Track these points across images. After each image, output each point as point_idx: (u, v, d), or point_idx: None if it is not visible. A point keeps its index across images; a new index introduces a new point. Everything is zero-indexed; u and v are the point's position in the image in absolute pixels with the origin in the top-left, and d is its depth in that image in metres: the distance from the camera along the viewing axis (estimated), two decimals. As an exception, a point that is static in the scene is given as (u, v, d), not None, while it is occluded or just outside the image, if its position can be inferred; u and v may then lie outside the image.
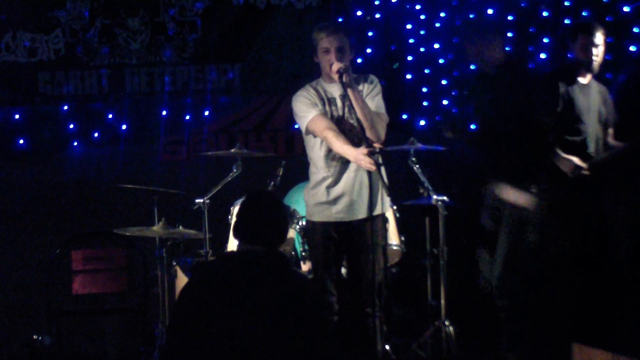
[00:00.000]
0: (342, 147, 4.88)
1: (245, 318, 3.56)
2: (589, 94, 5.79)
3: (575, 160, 5.64)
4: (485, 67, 5.63)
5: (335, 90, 5.03)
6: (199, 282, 3.75)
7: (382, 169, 4.77)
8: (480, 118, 5.70)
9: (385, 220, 5.21)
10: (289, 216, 5.56)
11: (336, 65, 4.86)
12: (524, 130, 5.48)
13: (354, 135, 4.96)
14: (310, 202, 5.09)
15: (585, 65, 5.77)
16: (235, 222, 3.83)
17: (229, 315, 3.57)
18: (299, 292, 3.64)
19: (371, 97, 5.03)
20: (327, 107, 5.00)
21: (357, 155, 4.81)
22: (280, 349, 3.53)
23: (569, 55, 5.96)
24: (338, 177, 5.00)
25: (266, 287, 3.61)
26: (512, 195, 5.44)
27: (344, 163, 5.00)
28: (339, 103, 5.01)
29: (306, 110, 4.99)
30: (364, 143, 4.84)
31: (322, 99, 5.01)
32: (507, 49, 5.91)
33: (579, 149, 5.69)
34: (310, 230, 5.10)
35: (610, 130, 5.88)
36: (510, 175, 5.49)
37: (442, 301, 5.86)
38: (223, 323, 3.57)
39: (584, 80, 5.80)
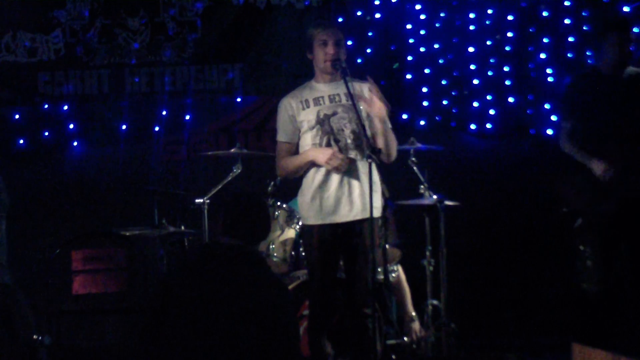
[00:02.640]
0: (302, 158, 4.90)
1: (218, 311, 3.72)
2: (614, 86, 5.53)
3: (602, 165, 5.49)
4: None
5: (326, 90, 4.96)
6: (181, 273, 3.93)
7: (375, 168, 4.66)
8: None
9: (385, 219, 5.14)
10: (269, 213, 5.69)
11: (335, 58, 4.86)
12: None
13: (346, 135, 4.87)
14: (305, 206, 4.96)
15: (616, 63, 5.49)
16: (226, 220, 4.01)
17: (205, 307, 3.73)
18: (272, 291, 3.83)
19: None
20: (313, 107, 4.90)
21: (325, 156, 4.78)
22: (244, 344, 3.70)
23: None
24: (329, 178, 4.87)
25: (240, 282, 3.80)
26: None
27: None
28: (327, 101, 4.93)
29: (280, 128, 5.03)
30: (363, 151, 4.80)
31: (305, 105, 4.93)
32: None
33: (605, 144, 5.55)
34: (307, 234, 4.97)
35: None
36: None
37: (442, 301, 5.87)
38: (198, 314, 3.73)
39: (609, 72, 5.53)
